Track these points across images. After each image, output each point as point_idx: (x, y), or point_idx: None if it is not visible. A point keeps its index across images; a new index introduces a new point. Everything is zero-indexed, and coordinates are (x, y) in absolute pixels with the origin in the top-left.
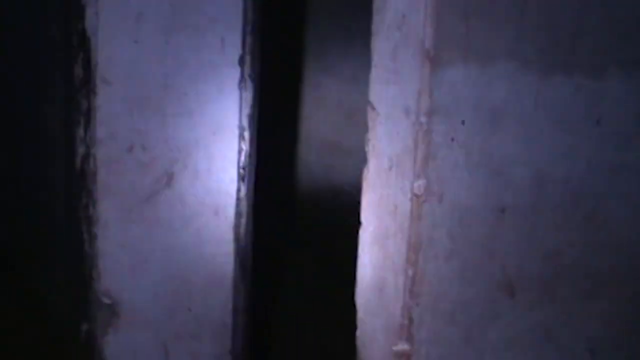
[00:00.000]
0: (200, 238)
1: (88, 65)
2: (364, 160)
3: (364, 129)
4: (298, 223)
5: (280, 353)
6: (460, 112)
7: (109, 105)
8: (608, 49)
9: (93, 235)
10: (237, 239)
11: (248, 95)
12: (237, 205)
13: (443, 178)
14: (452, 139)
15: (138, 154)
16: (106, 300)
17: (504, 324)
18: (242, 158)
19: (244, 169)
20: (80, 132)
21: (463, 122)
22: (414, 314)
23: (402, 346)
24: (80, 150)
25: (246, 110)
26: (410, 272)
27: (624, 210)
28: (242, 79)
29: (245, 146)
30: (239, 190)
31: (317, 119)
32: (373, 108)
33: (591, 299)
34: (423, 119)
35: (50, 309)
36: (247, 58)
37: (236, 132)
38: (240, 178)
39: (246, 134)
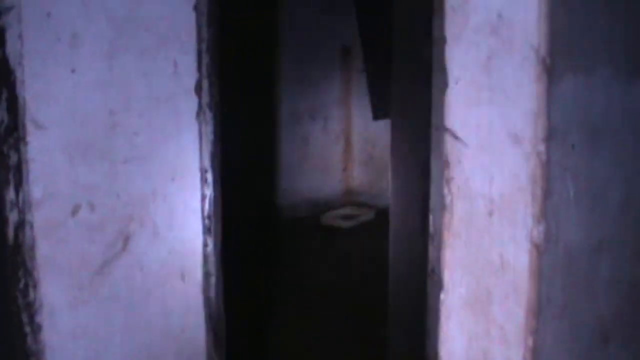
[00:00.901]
0: (166, 309)
1: (14, 106)
2: (441, 206)
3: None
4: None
5: None
6: (571, 134)
7: (45, 156)
8: None
9: (36, 327)
10: (207, 304)
11: (208, 129)
12: (205, 263)
13: (558, 218)
14: (565, 168)
15: (85, 215)
16: None
17: None
18: (207, 206)
19: (209, 218)
20: (11, 194)
21: (573, 147)
22: None
23: None
24: (12, 217)
25: (207, 148)
26: (530, 343)
27: None
28: (200, 109)
29: (209, 191)
30: (205, 244)
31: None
32: (455, 137)
33: None
34: (541, 147)
35: None
36: (205, 83)
37: (197, 175)
38: (206, 230)
39: (209, 176)
